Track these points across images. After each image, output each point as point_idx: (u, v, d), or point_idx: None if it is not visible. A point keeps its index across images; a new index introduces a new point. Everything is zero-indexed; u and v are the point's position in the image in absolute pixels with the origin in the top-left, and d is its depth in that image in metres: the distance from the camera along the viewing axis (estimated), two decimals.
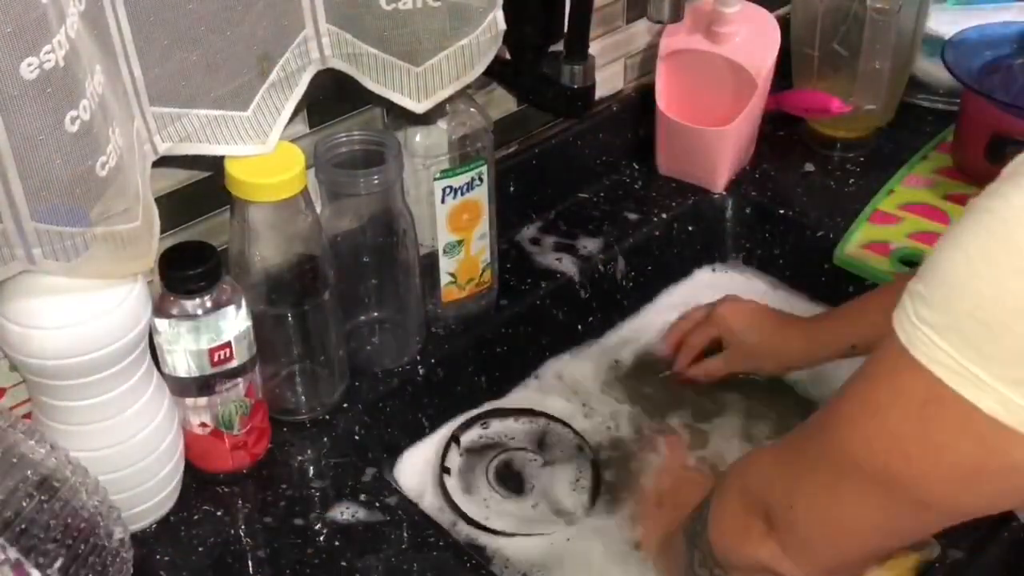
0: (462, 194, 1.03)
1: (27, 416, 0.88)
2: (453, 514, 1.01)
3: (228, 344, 0.89)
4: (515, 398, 1.13)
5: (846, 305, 1.05)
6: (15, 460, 0.77)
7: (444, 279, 1.07)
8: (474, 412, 1.10)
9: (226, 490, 0.95)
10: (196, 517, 0.93)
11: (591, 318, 1.18)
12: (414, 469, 1.06)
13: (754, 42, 1.21)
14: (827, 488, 0.70)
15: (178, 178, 0.96)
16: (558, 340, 1.16)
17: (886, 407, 0.64)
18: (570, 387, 1.15)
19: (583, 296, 1.17)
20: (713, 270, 1.27)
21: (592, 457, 1.07)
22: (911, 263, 1.14)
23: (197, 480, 0.95)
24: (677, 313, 1.20)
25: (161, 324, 0.88)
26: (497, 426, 1.11)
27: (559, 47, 1.05)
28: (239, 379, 0.91)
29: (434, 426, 1.08)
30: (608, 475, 1.06)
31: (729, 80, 1.22)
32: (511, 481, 1.06)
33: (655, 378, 1.16)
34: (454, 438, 1.08)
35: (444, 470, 1.05)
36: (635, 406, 1.13)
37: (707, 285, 1.26)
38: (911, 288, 0.63)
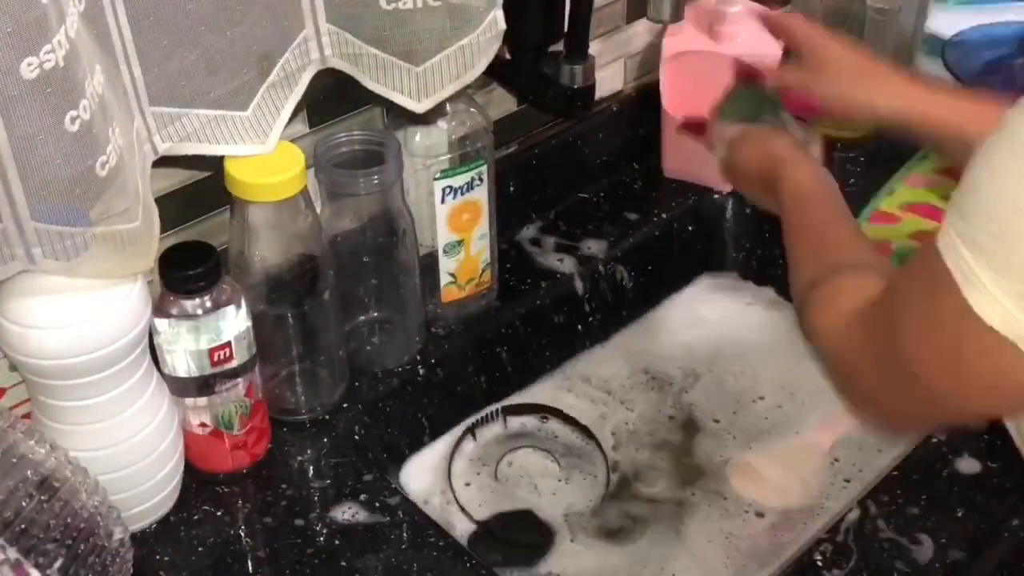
0: (462, 194, 1.03)
1: (27, 416, 0.88)
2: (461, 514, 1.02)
3: (228, 344, 0.89)
4: (519, 398, 1.13)
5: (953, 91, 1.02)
6: (15, 460, 0.77)
7: (444, 279, 1.07)
8: (494, 406, 1.10)
9: (226, 490, 0.95)
10: (196, 517, 0.93)
11: (591, 318, 1.18)
12: (426, 466, 1.06)
13: (758, 41, 1.21)
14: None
15: (178, 178, 0.96)
16: (559, 341, 1.16)
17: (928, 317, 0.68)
18: (586, 386, 1.15)
19: (583, 296, 1.17)
20: (713, 270, 1.27)
21: (606, 470, 1.07)
22: None
23: (197, 480, 0.95)
24: (678, 314, 1.21)
25: (161, 324, 0.88)
26: (515, 423, 1.11)
27: (559, 47, 1.05)
28: (239, 379, 0.91)
29: (434, 426, 1.08)
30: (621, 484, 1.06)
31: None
32: (523, 479, 1.05)
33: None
34: (470, 431, 1.07)
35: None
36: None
37: (707, 285, 1.26)
38: (952, 195, 0.65)
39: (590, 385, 1.16)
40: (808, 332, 0.84)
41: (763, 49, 1.21)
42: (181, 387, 0.91)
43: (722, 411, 1.13)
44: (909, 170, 1.24)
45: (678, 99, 1.23)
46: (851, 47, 1.02)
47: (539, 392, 1.15)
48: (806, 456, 1.07)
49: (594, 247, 1.19)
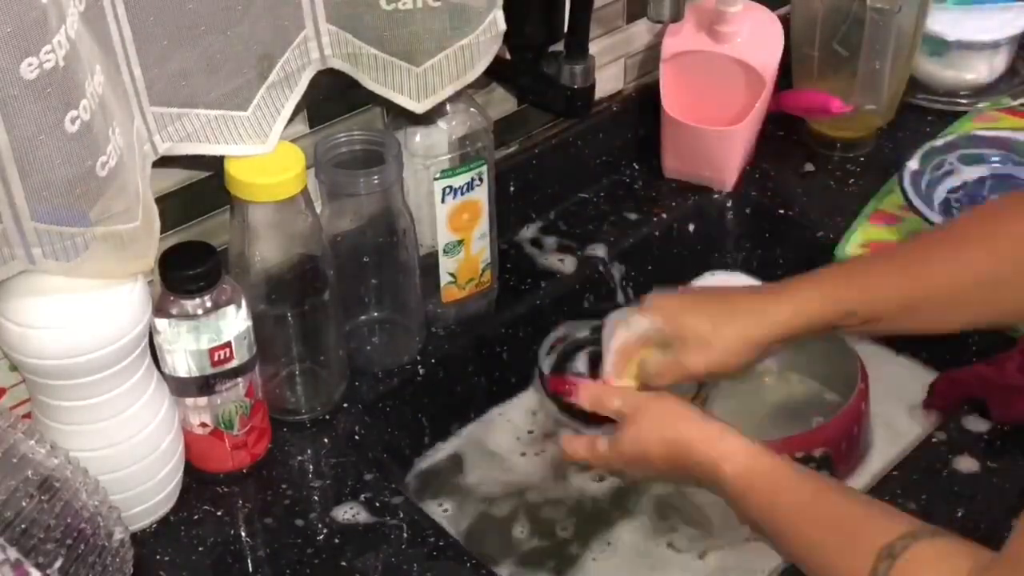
0: (462, 194, 1.03)
1: (27, 416, 0.88)
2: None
3: (228, 344, 0.89)
4: (519, 398, 1.13)
5: (836, 266, 0.95)
6: (15, 460, 0.77)
7: (444, 279, 1.07)
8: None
9: (226, 490, 0.95)
10: (196, 517, 0.93)
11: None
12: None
13: (758, 41, 1.21)
14: None
15: (178, 178, 0.96)
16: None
17: None
18: None
19: (583, 296, 1.17)
20: (712, 269, 1.27)
21: None
22: None
23: (197, 480, 0.95)
24: None
25: (161, 324, 0.88)
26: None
27: (559, 47, 1.05)
28: (239, 379, 0.91)
29: (435, 426, 1.08)
30: None
31: (735, 80, 1.22)
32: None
33: None
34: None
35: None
36: None
37: (706, 285, 1.26)
38: None
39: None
40: None
41: (764, 50, 1.22)
42: (181, 387, 0.91)
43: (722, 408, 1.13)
44: (873, 207, 1.21)
45: (677, 100, 1.23)
46: (688, 303, 0.93)
47: (538, 392, 1.15)
48: None
49: (594, 247, 1.19)
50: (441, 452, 1.09)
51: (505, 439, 1.10)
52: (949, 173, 1.19)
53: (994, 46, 1.35)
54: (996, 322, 0.97)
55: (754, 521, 0.81)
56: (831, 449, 0.98)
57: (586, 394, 0.92)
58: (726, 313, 0.91)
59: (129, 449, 0.87)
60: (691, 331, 0.90)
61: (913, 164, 1.17)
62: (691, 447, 0.84)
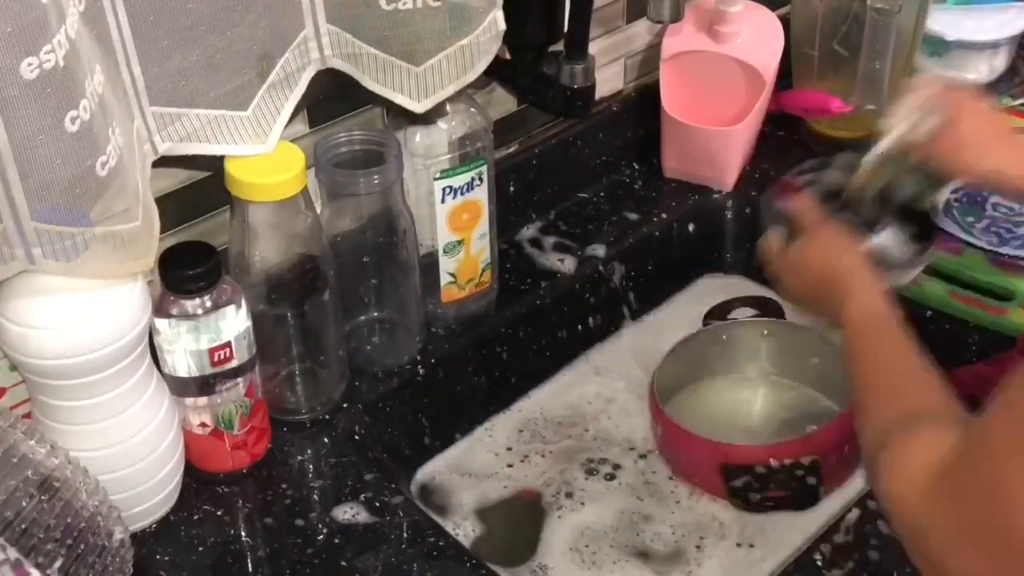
0: (462, 194, 1.03)
1: (27, 416, 0.88)
2: None
3: (228, 344, 0.89)
4: (519, 399, 1.13)
5: None
6: (15, 460, 0.77)
7: (444, 279, 1.07)
8: None
9: (226, 490, 0.95)
10: (196, 517, 0.93)
11: (590, 318, 1.18)
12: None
13: (758, 41, 1.21)
14: None
15: (178, 178, 0.96)
16: (559, 341, 1.16)
17: None
18: (587, 386, 1.16)
19: (583, 296, 1.17)
20: (713, 270, 1.27)
21: None
22: None
23: (197, 480, 0.95)
24: (678, 313, 1.21)
25: (161, 324, 0.88)
26: None
27: (559, 47, 1.05)
28: (239, 379, 0.91)
29: (434, 426, 1.08)
30: None
31: (735, 79, 1.22)
32: None
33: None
34: None
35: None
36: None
37: (706, 285, 1.26)
38: None
39: (591, 385, 1.16)
40: (881, 497, 0.72)
41: (764, 50, 1.22)
42: (181, 387, 0.91)
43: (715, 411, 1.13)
44: None
45: (677, 99, 1.23)
46: (985, 114, 0.98)
47: (539, 393, 1.15)
48: None
49: (594, 247, 1.19)
50: (443, 453, 1.09)
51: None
52: None
53: (994, 46, 1.35)
54: None
55: (849, 335, 0.87)
56: (819, 457, 0.98)
57: (801, 202, 1.00)
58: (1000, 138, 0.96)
59: (129, 449, 0.87)
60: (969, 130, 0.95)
61: None
62: (837, 277, 0.91)
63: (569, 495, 1.05)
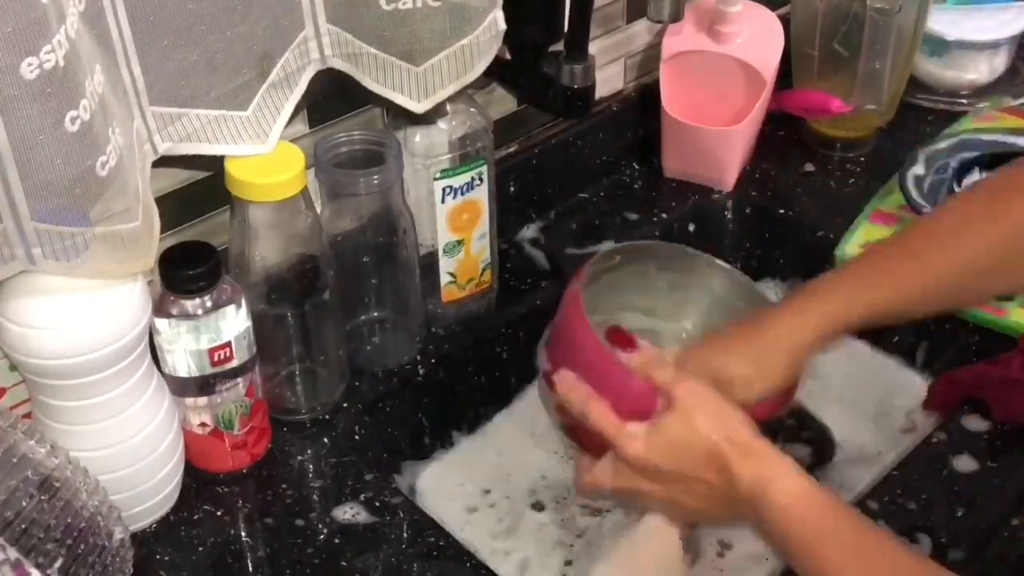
0: (462, 194, 1.03)
1: (27, 416, 0.88)
2: None
3: (228, 344, 0.89)
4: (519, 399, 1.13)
5: (846, 270, 0.93)
6: (15, 460, 0.77)
7: (444, 279, 1.07)
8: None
9: (226, 490, 0.95)
10: (196, 517, 0.93)
11: None
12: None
13: (758, 41, 1.21)
14: None
15: (178, 178, 0.96)
16: None
17: None
18: None
19: None
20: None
21: None
22: None
23: (197, 480, 0.95)
24: None
25: (161, 324, 0.88)
26: None
27: (559, 47, 1.05)
28: (239, 379, 0.91)
29: (434, 426, 1.08)
30: None
31: (736, 79, 1.22)
32: None
33: None
34: None
35: None
36: None
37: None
38: None
39: None
40: None
41: (764, 50, 1.22)
42: (181, 387, 0.91)
43: None
44: (873, 207, 1.21)
45: (677, 99, 1.23)
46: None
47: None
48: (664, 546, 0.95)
49: (594, 247, 1.19)
50: (443, 453, 1.09)
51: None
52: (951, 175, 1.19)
53: (994, 46, 1.35)
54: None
55: (794, 552, 0.78)
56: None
57: (641, 356, 0.87)
58: (759, 350, 0.89)
59: (129, 449, 0.87)
60: (734, 375, 0.88)
61: (919, 169, 1.17)
62: (737, 460, 0.80)
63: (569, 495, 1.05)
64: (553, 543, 1.01)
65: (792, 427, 1.10)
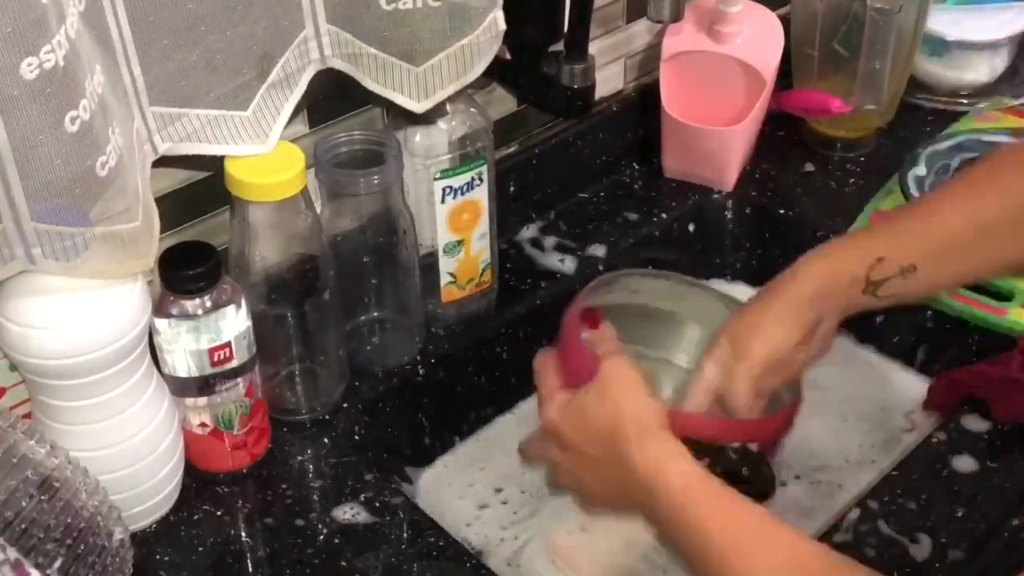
0: (462, 194, 1.03)
1: (27, 416, 0.88)
2: None
3: (228, 344, 0.89)
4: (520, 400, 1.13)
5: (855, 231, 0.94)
6: (15, 460, 0.77)
7: (444, 279, 1.07)
8: None
9: (226, 490, 0.95)
10: (196, 517, 0.93)
11: None
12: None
13: (758, 41, 1.21)
14: None
15: (178, 178, 0.96)
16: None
17: None
18: None
19: None
20: (713, 270, 1.27)
21: None
22: None
23: (197, 480, 0.95)
24: None
25: (161, 324, 0.88)
26: None
27: (559, 47, 1.05)
28: (239, 379, 0.91)
29: (434, 426, 1.08)
30: None
31: (736, 79, 1.22)
32: None
33: None
34: None
35: None
36: None
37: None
38: None
39: None
40: None
41: (764, 50, 1.22)
42: (181, 387, 0.91)
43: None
44: (873, 207, 1.21)
45: (677, 99, 1.23)
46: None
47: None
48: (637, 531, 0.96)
49: (594, 247, 1.19)
50: (443, 453, 1.09)
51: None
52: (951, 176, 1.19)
53: (994, 46, 1.35)
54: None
55: (683, 536, 0.78)
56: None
57: (596, 333, 0.89)
58: (763, 298, 0.91)
59: (129, 449, 0.87)
60: (741, 329, 0.90)
61: (920, 170, 1.17)
62: (634, 441, 0.81)
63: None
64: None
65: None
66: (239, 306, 0.89)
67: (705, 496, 0.77)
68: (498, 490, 1.05)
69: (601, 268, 1.18)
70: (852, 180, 1.27)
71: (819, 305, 0.91)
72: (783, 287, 0.91)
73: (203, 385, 0.90)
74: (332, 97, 1.01)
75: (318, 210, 0.97)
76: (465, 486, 1.06)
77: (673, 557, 0.81)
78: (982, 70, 1.36)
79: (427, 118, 0.99)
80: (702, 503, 0.77)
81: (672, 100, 1.23)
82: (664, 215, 1.24)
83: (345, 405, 1.02)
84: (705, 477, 0.79)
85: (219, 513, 0.93)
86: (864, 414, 1.11)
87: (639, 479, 0.80)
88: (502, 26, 0.97)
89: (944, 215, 0.91)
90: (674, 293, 1.03)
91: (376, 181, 0.96)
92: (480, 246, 1.07)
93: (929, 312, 1.11)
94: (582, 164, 1.26)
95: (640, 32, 1.28)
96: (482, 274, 1.09)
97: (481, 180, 1.04)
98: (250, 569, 0.90)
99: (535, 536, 1.01)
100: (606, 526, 1.00)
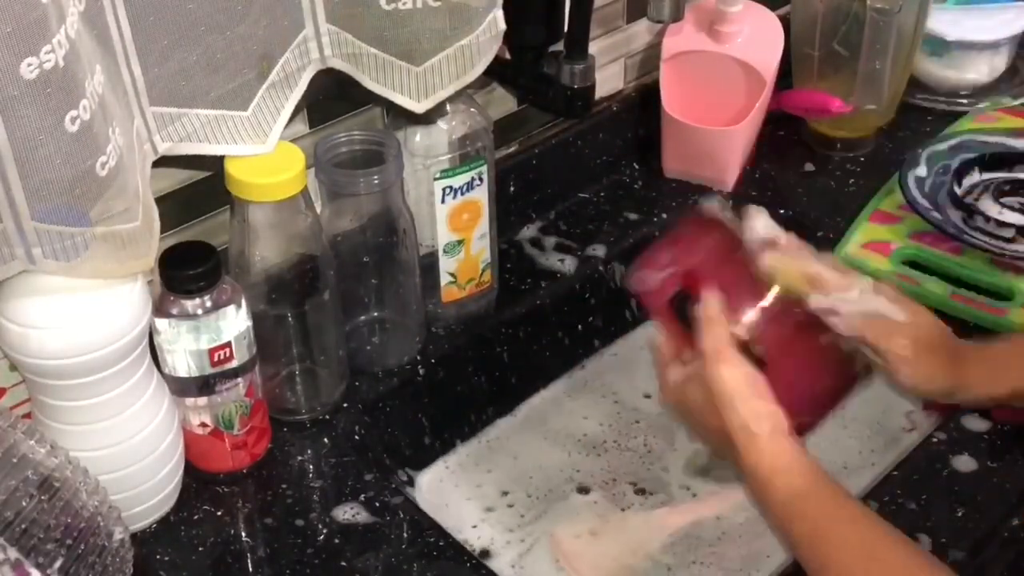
0: (462, 194, 1.03)
1: (27, 416, 0.88)
2: None
3: (228, 344, 0.89)
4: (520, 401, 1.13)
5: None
6: (15, 460, 0.77)
7: (444, 279, 1.07)
8: None
9: (226, 490, 0.95)
10: (196, 517, 0.93)
11: (591, 318, 1.18)
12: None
13: (759, 41, 1.21)
14: None
15: (178, 178, 0.96)
16: (559, 342, 1.16)
17: None
18: (588, 387, 1.15)
19: (583, 296, 1.17)
20: None
21: None
22: (911, 263, 1.14)
23: (197, 480, 0.95)
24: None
25: (161, 324, 0.88)
26: None
27: (559, 47, 1.05)
28: (239, 379, 0.91)
29: (434, 426, 1.08)
30: None
31: (736, 79, 1.22)
32: None
33: None
34: None
35: None
36: None
37: None
38: None
39: (592, 385, 1.16)
40: None
41: (765, 50, 1.22)
42: (181, 387, 0.91)
43: None
44: (873, 207, 1.21)
45: (677, 99, 1.23)
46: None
47: (539, 394, 1.15)
48: (646, 535, 1.01)
49: (594, 247, 1.19)
50: (443, 453, 1.09)
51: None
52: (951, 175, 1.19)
53: (994, 46, 1.35)
54: None
55: (792, 545, 0.79)
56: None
57: (709, 310, 0.85)
58: (929, 350, 0.89)
59: (129, 449, 0.87)
60: (894, 349, 0.88)
61: (920, 171, 1.17)
62: (749, 446, 0.81)
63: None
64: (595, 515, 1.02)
65: None
66: (239, 306, 0.89)
67: (812, 507, 0.78)
68: (504, 493, 1.05)
69: (601, 268, 1.18)
70: (852, 180, 1.27)
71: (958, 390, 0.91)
72: (945, 361, 0.89)
73: (203, 385, 0.90)
74: (332, 97, 1.01)
75: (318, 210, 0.97)
76: (471, 488, 1.06)
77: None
78: (982, 70, 1.36)
79: (427, 118, 0.99)
80: (807, 516, 0.78)
81: (672, 100, 1.23)
82: (664, 215, 1.24)
83: (345, 405, 1.02)
84: (814, 490, 0.79)
85: (219, 513, 0.93)
86: (864, 414, 1.11)
87: (750, 481, 0.81)
88: (502, 26, 0.97)
89: None
90: None
91: (376, 181, 0.96)
92: (480, 246, 1.07)
93: None
94: (582, 164, 1.26)
95: (640, 32, 1.28)
96: (482, 274, 1.09)
97: (481, 180, 1.04)
98: (250, 569, 0.90)
99: (541, 539, 1.01)
100: (614, 530, 1.01)
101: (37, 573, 0.73)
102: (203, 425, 0.92)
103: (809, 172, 1.29)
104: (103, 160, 0.76)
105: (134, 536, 0.86)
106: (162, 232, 0.87)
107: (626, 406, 1.13)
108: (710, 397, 0.83)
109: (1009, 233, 1.10)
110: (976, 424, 0.99)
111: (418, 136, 1.00)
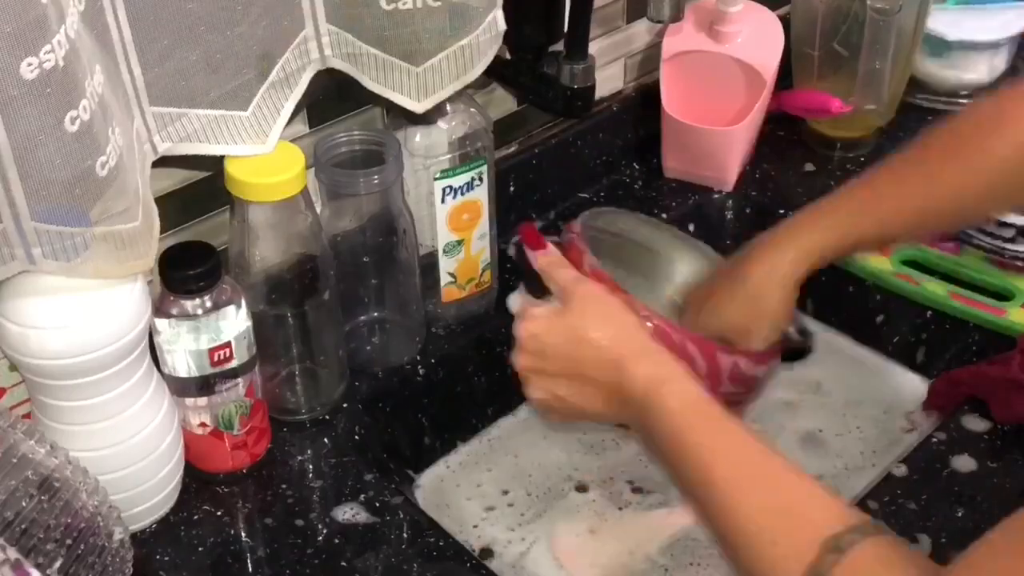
0: (462, 194, 1.03)
1: (27, 416, 0.88)
2: None
3: (228, 344, 0.89)
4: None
5: (839, 197, 0.95)
6: (15, 460, 0.76)
7: (444, 279, 1.07)
8: None
9: (226, 490, 0.95)
10: (196, 517, 0.93)
11: None
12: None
13: (758, 41, 1.21)
14: None
15: (178, 178, 0.96)
16: None
17: None
18: None
19: None
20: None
21: None
22: (911, 263, 1.14)
23: (197, 480, 0.95)
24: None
25: (161, 324, 0.88)
26: None
27: (559, 47, 1.05)
28: (239, 379, 0.91)
29: (434, 426, 1.08)
30: None
31: (736, 79, 1.22)
32: None
33: None
34: None
35: None
36: None
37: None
38: None
39: None
40: None
41: (764, 50, 1.22)
42: (181, 387, 0.91)
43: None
44: None
45: (678, 99, 1.23)
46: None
47: None
48: (645, 535, 1.01)
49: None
50: (443, 452, 1.09)
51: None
52: None
53: (994, 46, 1.35)
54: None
55: (679, 460, 0.75)
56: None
57: (545, 259, 0.88)
58: (743, 299, 0.93)
59: (129, 449, 0.87)
60: (728, 331, 0.94)
61: None
62: (632, 359, 0.80)
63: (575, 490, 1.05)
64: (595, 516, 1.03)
65: None
66: (239, 306, 0.89)
67: (699, 420, 0.76)
68: (505, 492, 1.05)
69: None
70: (852, 180, 1.27)
71: (795, 292, 0.94)
72: (757, 284, 0.93)
73: (203, 385, 0.90)
74: (332, 97, 1.01)
75: (318, 210, 0.97)
76: (471, 487, 1.06)
77: (664, 475, 0.80)
78: (982, 70, 1.36)
79: (427, 118, 0.99)
80: (696, 428, 0.76)
81: (672, 100, 1.23)
82: (664, 215, 1.24)
83: (345, 405, 1.02)
84: (700, 399, 0.77)
85: (219, 513, 0.93)
86: (864, 414, 1.11)
87: (637, 398, 0.79)
88: (502, 26, 0.97)
89: (914, 184, 0.93)
90: (659, 236, 1.07)
91: (376, 181, 0.96)
92: (480, 246, 1.07)
93: (929, 312, 1.11)
94: (582, 164, 1.26)
95: (640, 32, 1.28)
96: (482, 274, 1.09)
97: (481, 180, 1.04)
98: (250, 569, 0.90)
99: (541, 538, 1.01)
100: (613, 530, 1.01)
101: (37, 573, 0.73)
102: (203, 425, 0.92)
103: (809, 172, 1.29)
104: (103, 160, 0.76)
105: (134, 536, 0.86)
106: (162, 232, 0.87)
107: None
108: (575, 327, 0.82)
109: (1009, 233, 1.10)
110: (976, 424, 0.99)
111: (418, 136, 1.00)
